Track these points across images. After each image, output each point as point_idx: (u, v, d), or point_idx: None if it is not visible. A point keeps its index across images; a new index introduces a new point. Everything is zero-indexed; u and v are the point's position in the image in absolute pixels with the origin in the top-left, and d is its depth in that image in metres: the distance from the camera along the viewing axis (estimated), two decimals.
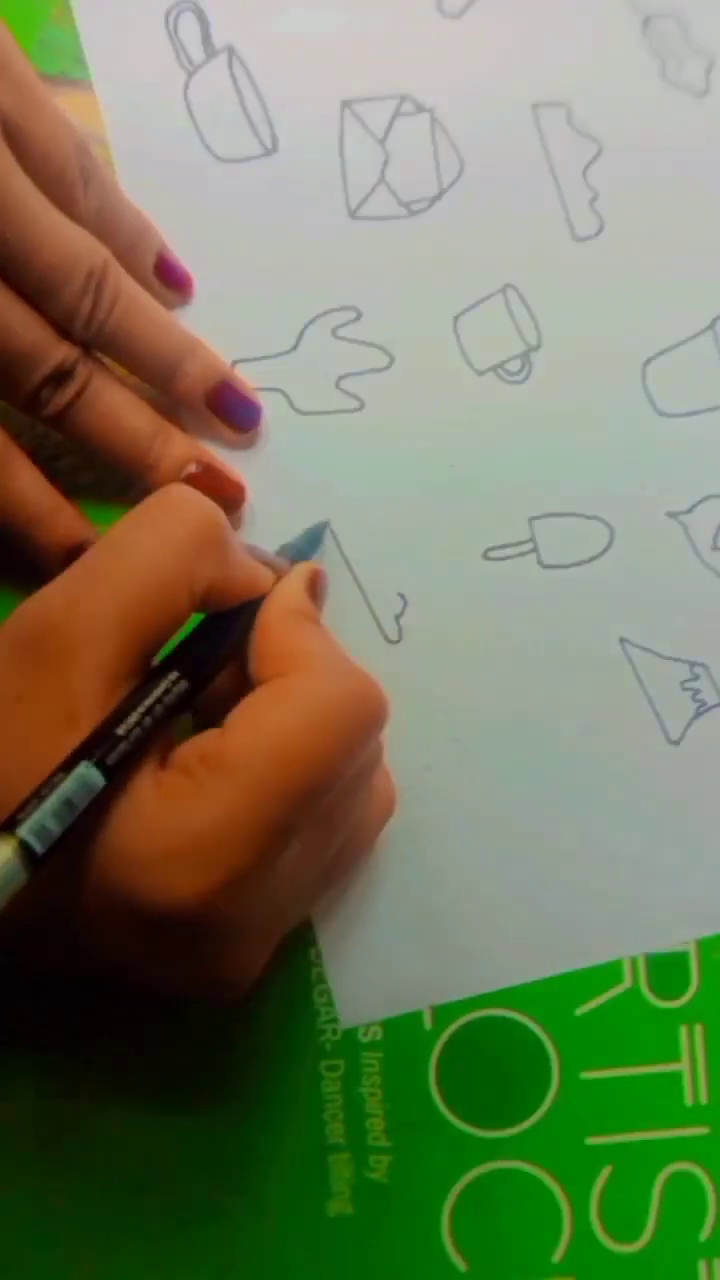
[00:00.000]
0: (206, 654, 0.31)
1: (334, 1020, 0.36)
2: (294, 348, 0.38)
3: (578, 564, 0.38)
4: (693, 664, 0.38)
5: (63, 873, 0.27)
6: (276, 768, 0.27)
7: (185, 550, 0.29)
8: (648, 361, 0.39)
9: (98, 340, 0.35)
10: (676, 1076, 0.37)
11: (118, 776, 0.27)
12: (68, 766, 0.26)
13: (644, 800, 0.37)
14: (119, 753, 0.27)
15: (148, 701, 0.28)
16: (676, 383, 0.38)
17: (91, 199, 0.34)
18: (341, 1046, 0.36)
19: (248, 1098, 0.36)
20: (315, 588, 0.34)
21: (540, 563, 0.38)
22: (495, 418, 0.38)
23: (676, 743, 0.38)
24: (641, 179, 0.39)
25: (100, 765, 0.27)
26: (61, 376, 0.34)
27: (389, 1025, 0.36)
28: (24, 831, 0.25)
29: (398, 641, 0.37)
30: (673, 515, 0.38)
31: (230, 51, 0.38)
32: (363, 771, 0.31)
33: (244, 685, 0.31)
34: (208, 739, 0.28)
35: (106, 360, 0.36)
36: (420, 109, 0.38)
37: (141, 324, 0.35)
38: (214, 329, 0.37)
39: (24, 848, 0.25)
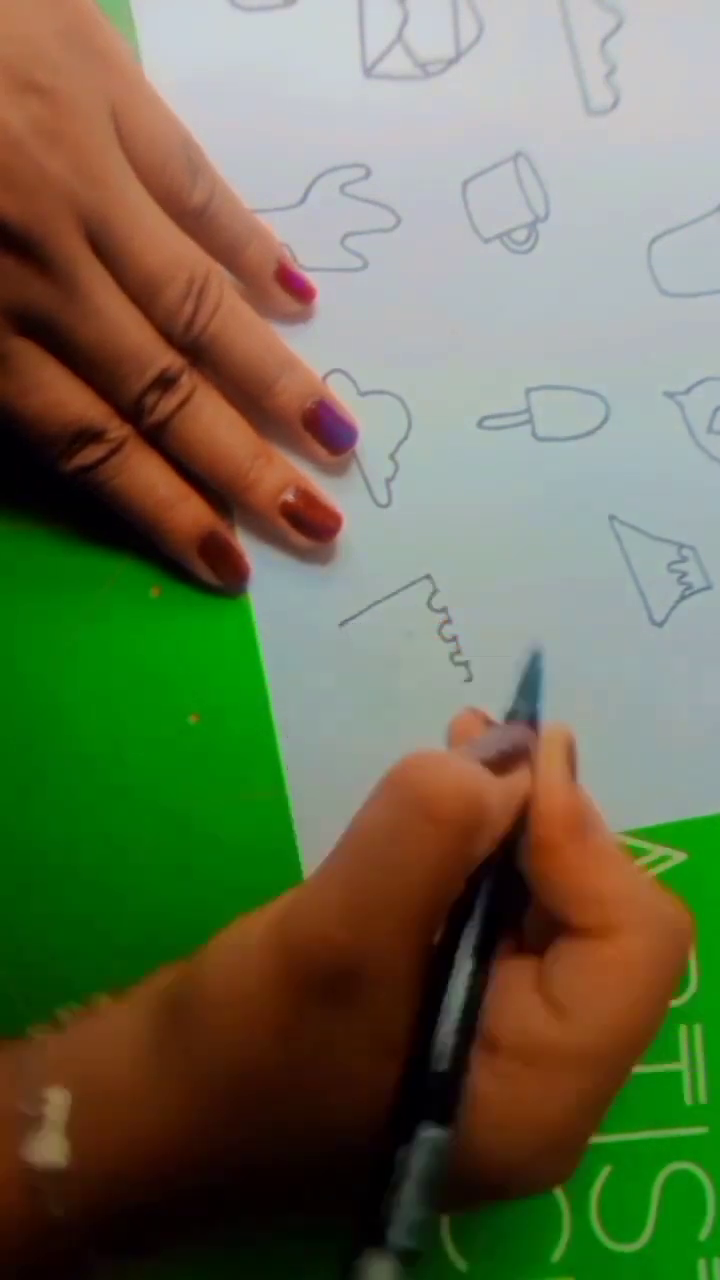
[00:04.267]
0: (491, 917, 0.28)
1: None
2: (301, 201, 0.37)
3: (572, 438, 0.38)
4: (681, 546, 0.38)
5: None
6: (627, 1054, 0.27)
7: (459, 853, 0.27)
8: (654, 240, 0.38)
9: (197, 346, 0.35)
10: (676, 1076, 0.37)
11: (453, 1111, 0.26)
12: (405, 1135, 0.25)
13: (623, 681, 0.37)
14: (452, 1093, 0.25)
15: (455, 1019, 0.26)
16: (681, 263, 0.38)
17: (199, 193, 0.34)
18: None
19: None
20: (574, 762, 0.31)
21: (535, 435, 0.38)
22: (498, 286, 0.38)
23: (660, 624, 0.37)
24: (659, 56, 0.38)
25: (439, 1116, 0.25)
26: (167, 383, 0.34)
27: None
28: (397, 1238, 0.24)
29: (387, 506, 0.37)
30: (670, 395, 0.38)
31: None
32: None
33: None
34: (546, 1027, 0.27)
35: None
36: None
37: (242, 334, 0.35)
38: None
39: (403, 1257, 0.23)
